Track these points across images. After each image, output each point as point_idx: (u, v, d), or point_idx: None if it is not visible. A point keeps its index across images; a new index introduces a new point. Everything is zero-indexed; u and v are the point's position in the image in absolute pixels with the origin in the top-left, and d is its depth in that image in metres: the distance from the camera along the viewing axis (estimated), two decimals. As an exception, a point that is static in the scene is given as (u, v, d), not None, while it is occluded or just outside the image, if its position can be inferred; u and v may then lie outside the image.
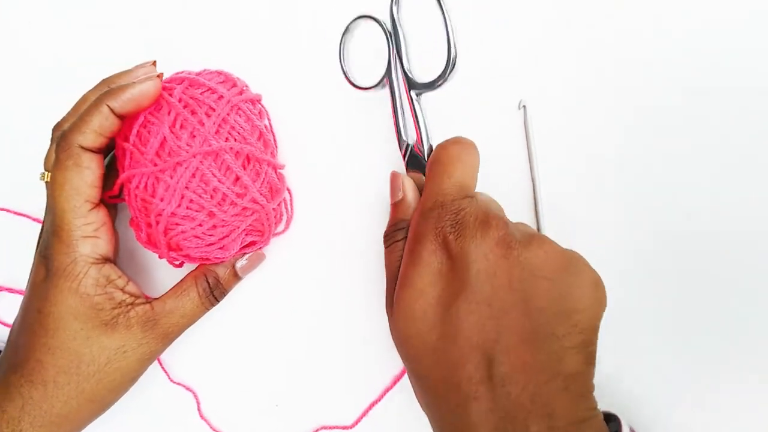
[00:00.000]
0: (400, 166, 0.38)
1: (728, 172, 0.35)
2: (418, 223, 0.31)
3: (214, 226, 0.33)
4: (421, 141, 0.37)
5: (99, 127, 0.32)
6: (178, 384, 0.40)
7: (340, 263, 0.40)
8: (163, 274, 0.41)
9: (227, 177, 0.33)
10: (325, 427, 0.39)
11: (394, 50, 0.38)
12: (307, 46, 0.41)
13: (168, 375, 0.40)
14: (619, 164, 0.36)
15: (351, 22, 0.39)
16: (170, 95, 0.33)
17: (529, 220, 0.37)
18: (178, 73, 0.36)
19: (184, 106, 0.33)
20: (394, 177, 0.35)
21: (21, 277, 0.39)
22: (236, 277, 0.37)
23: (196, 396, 0.40)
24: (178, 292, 0.36)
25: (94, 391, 0.34)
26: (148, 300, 0.36)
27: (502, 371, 0.27)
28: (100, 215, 0.34)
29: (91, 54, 0.44)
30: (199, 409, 0.40)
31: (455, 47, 0.36)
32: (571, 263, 0.28)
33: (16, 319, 0.35)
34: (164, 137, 0.32)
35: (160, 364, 0.40)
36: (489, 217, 0.29)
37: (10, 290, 0.42)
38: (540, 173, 0.36)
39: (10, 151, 0.44)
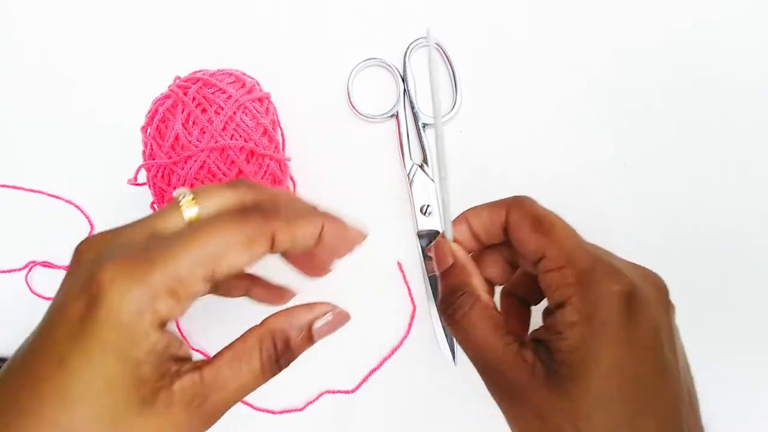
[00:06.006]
0: (397, 168, 0.44)
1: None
2: (588, 285, 0.25)
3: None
4: (426, 161, 0.44)
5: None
6: (197, 350, 0.43)
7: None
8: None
9: (231, 170, 0.36)
10: (328, 392, 0.42)
11: (404, 88, 0.45)
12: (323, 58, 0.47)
13: (187, 341, 0.43)
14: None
15: (362, 62, 0.46)
16: (185, 94, 0.36)
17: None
18: (195, 72, 0.39)
19: (197, 105, 0.36)
20: (439, 245, 0.30)
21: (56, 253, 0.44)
22: (310, 341, 0.28)
23: (213, 361, 0.43)
24: (236, 356, 0.26)
25: None
26: (197, 365, 0.25)
27: None
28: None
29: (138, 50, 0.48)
30: (215, 373, 0.43)
31: (461, 95, 0.45)
32: None
33: (16, 355, 0.23)
34: (177, 133, 0.35)
35: (180, 332, 0.44)
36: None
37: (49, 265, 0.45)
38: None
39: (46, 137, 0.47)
